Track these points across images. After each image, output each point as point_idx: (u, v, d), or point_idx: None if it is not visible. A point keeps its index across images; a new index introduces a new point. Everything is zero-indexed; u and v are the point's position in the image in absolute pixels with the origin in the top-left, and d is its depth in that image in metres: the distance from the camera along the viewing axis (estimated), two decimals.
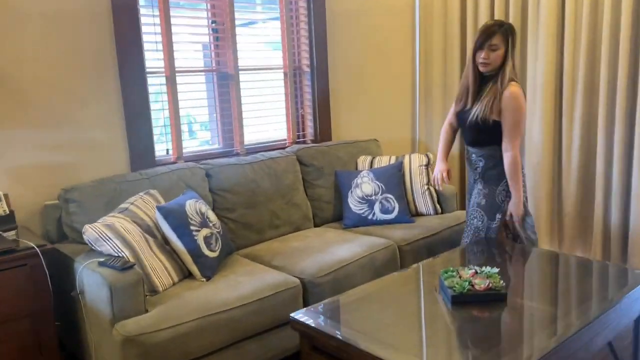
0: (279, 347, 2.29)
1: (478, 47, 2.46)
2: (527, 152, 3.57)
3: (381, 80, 3.93)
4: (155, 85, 2.94)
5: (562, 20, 3.35)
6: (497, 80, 2.46)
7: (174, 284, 2.34)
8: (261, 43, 3.46)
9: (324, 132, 3.66)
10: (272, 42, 3.47)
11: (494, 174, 2.58)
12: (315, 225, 3.22)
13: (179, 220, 2.38)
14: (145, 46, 2.87)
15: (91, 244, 2.19)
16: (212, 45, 3.19)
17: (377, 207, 3.13)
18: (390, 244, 2.81)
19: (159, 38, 2.91)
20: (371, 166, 3.38)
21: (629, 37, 3.05)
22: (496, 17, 3.59)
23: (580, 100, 3.30)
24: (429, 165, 3.58)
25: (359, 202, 3.15)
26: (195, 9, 3.09)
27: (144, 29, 2.84)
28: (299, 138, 3.63)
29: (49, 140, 2.56)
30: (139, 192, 2.55)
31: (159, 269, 2.28)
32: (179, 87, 3.00)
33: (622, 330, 2.08)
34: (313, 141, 3.65)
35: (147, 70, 2.88)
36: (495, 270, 2.08)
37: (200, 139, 3.29)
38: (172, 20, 2.93)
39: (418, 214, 3.28)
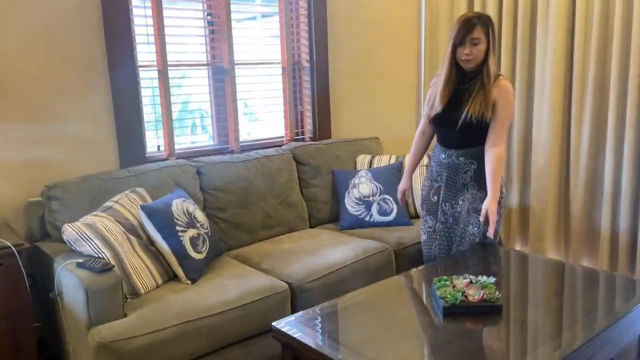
0: (265, 355, 2.20)
1: (459, 43, 2.27)
2: (534, 153, 3.44)
3: (384, 76, 3.81)
4: (148, 79, 2.86)
5: (572, 16, 3.20)
6: (481, 76, 2.31)
7: (157, 286, 2.25)
8: (259, 37, 3.36)
9: (323, 129, 3.56)
10: (270, 35, 3.36)
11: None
12: (311, 226, 3.13)
13: (164, 220, 2.30)
14: (137, 39, 2.78)
15: (71, 244, 2.11)
16: (208, 39, 3.09)
17: (374, 208, 3.02)
18: (385, 247, 2.70)
19: (151, 30, 2.82)
20: (370, 165, 3.27)
21: None
22: (505, 12, 3.46)
23: (590, 100, 3.16)
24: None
25: (356, 203, 3.05)
26: (190, 0, 2.99)
27: (135, 20, 2.75)
28: (297, 135, 3.53)
29: (33, 135, 2.49)
30: (126, 190, 2.47)
31: (142, 271, 2.20)
32: (172, 82, 2.92)
33: (627, 345, 1.96)
34: (312, 139, 3.55)
35: (139, 63, 2.80)
36: (492, 280, 1.96)
37: (196, 134, 3.20)
38: (165, 12, 2.84)
39: (417, 217, 3.16)
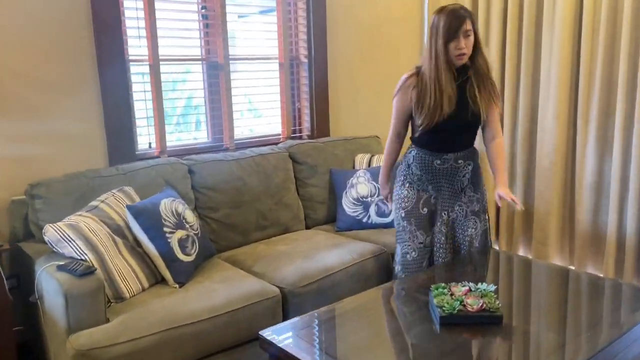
0: None
1: (452, 37, 2.09)
2: (538, 153, 3.33)
3: (385, 73, 3.70)
4: (139, 74, 2.77)
5: (579, 11, 3.09)
6: (476, 68, 2.19)
7: (143, 289, 2.16)
8: (255, 31, 3.26)
9: (321, 127, 3.46)
10: (267, 30, 3.26)
11: (480, 173, 2.38)
12: (307, 227, 3.03)
13: (151, 220, 2.21)
14: (128, 32, 2.69)
15: (52, 245, 2.02)
16: (202, 33, 3.00)
17: (372, 209, 2.92)
18: (382, 250, 2.61)
19: (142, 23, 2.73)
20: (369, 165, 3.17)
21: None
22: (510, 7, 3.34)
23: (596, 98, 3.05)
24: None
25: (354, 203, 2.95)
26: None
27: (126, 13, 2.66)
28: (294, 133, 3.43)
29: (17, 131, 2.39)
30: (113, 188, 2.38)
31: (127, 274, 2.11)
32: (165, 77, 2.82)
33: None
34: (309, 137, 3.45)
35: (130, 57, 2.70)
36: (492, 288, 1.86)
37: (190, 131, 3.11)
38: (157, 5, 2.74)
39: None
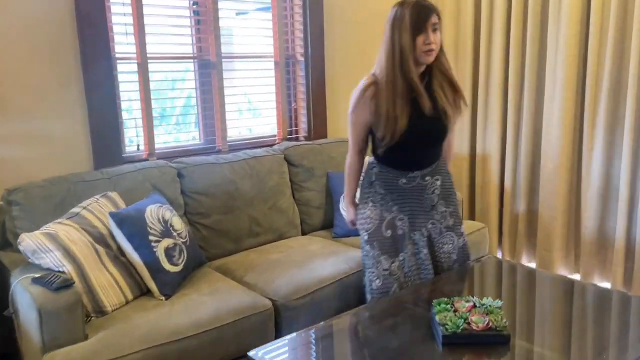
0: None
1: (420, 30, 1.83)
2: (543, 157, 3.20)
3: None
4: (126, 72, 2.64)
5: (587, 7, 2.96)
6: (437, 65, 1.93)
7: (127, 302, 2.04)
8: (249, 28, 3.13)
9: (318, 128, 3.33)
10: (262, 27, 3.13)
11: (450, 185, 2.14)
12: (303, 233, 2.90)
13: (135, 228, 2.08)
14: (115, 28, 2.56)
15: (28, 256, 1.89)
16: (193, 30, 2.86)
17: None
18: None
19: (130, 19, 2.60)
20: None
21: None
22: (514, 3, 3.20)
23: (604, 99, 2.92)
24: None
25: None
26: None
27: (112, 8, 2.53)
28: (290, 134, 3.30)
29: None
30: (97, 194, 2.25)
31: (109, 286, 1.98)
32: (153, 76, 2.69)
33: None
34: (306, 138, 3.32)
35: (117, 55, 2.57)
36: (498, 303, 1.74)
37: (180, 133, 2.98)
38: (145, 0, 2.61)
39: None
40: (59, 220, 2.04)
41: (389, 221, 2.04)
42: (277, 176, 2.83)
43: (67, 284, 1.77)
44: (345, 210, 2.25)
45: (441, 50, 1.96)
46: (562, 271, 3.22)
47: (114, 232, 2.08)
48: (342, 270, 2.33)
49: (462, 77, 3.52)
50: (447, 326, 1.63)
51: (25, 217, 2.11)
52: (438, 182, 2.08)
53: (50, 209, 2.15)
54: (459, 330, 1.62)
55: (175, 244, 2.18)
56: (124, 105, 2.64)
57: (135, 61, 2.64)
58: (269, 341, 1.94)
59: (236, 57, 3.05)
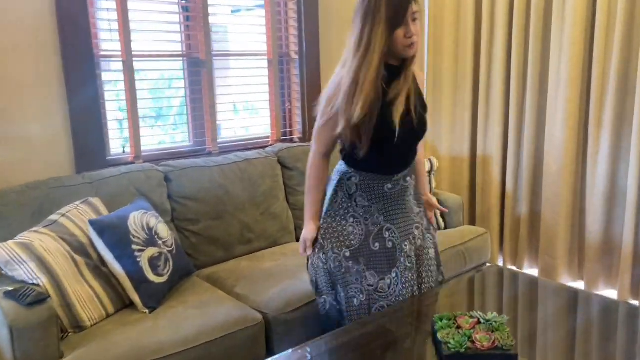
0: None
1: (400, 22, 1.61)
2: (546, 158, 3.09)
3: None
4: (112, 71, 2.52)
5: (593, 4, 2.84)
6: (411, 64, 1.71)
7: (108, 315, 1.91)
8: (241, 25, 3.00)
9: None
10: (254, 24, 3.01)
11: (415, 183, 1.99)
12: (297, 240, 2.78)
13: (117, 237, 1.96)
14: (98, 24, 2.43)
15: (0, 267, 1.77)
16: (182, 27, 2.74)
17: None
18: None
19: (114, 15, 2.47)
20: None
21: None
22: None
23: (610, 99, 2.81)
24: (432, 172, 3.13)
25: None
26: None
27: (95, 3, 2.40)
28: (284, 135, 3.18)
29: None
30: (77, 200, 2.12)
31: (88, 299, 1.86)
32: (138, 75, 2.57)
33: None
34: (301, 139, 3.20)
35: (101, 53, 2.45)
36: (504, 319, 1.62)
37: (167, 134, 2.85)
38: None
39: None
40: (35, 228, 1.92)
41: (376, 234, 1.83)
42: (270, 180, 2.71)
43: (41, 299, 1.65)
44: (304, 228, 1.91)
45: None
46: (566, 278, 3.11)
47: (94, 241, 1.95)
48: None
49: (463, 75, 3.41)
50: (449, 345, 1.52)
51: (0, 225, 1.98)
52: (413, 183, 1.91)
53: (27, 216, 2.03)
54: (463, 350, 1.50)
55: (160, 253, 2.05)
56: (108, 105, 2.52)
57: (120, 59, 2.51)
58: (259, 357, 1.82)
59: (227, 55, 2.93)
